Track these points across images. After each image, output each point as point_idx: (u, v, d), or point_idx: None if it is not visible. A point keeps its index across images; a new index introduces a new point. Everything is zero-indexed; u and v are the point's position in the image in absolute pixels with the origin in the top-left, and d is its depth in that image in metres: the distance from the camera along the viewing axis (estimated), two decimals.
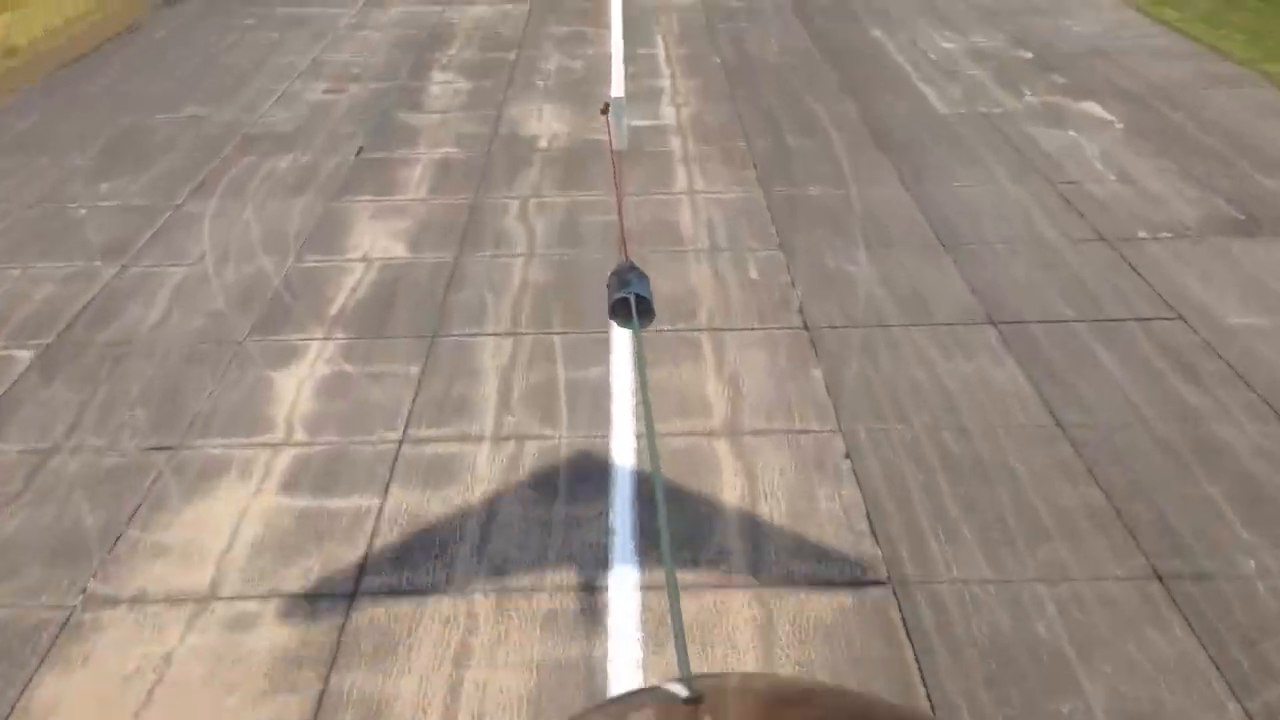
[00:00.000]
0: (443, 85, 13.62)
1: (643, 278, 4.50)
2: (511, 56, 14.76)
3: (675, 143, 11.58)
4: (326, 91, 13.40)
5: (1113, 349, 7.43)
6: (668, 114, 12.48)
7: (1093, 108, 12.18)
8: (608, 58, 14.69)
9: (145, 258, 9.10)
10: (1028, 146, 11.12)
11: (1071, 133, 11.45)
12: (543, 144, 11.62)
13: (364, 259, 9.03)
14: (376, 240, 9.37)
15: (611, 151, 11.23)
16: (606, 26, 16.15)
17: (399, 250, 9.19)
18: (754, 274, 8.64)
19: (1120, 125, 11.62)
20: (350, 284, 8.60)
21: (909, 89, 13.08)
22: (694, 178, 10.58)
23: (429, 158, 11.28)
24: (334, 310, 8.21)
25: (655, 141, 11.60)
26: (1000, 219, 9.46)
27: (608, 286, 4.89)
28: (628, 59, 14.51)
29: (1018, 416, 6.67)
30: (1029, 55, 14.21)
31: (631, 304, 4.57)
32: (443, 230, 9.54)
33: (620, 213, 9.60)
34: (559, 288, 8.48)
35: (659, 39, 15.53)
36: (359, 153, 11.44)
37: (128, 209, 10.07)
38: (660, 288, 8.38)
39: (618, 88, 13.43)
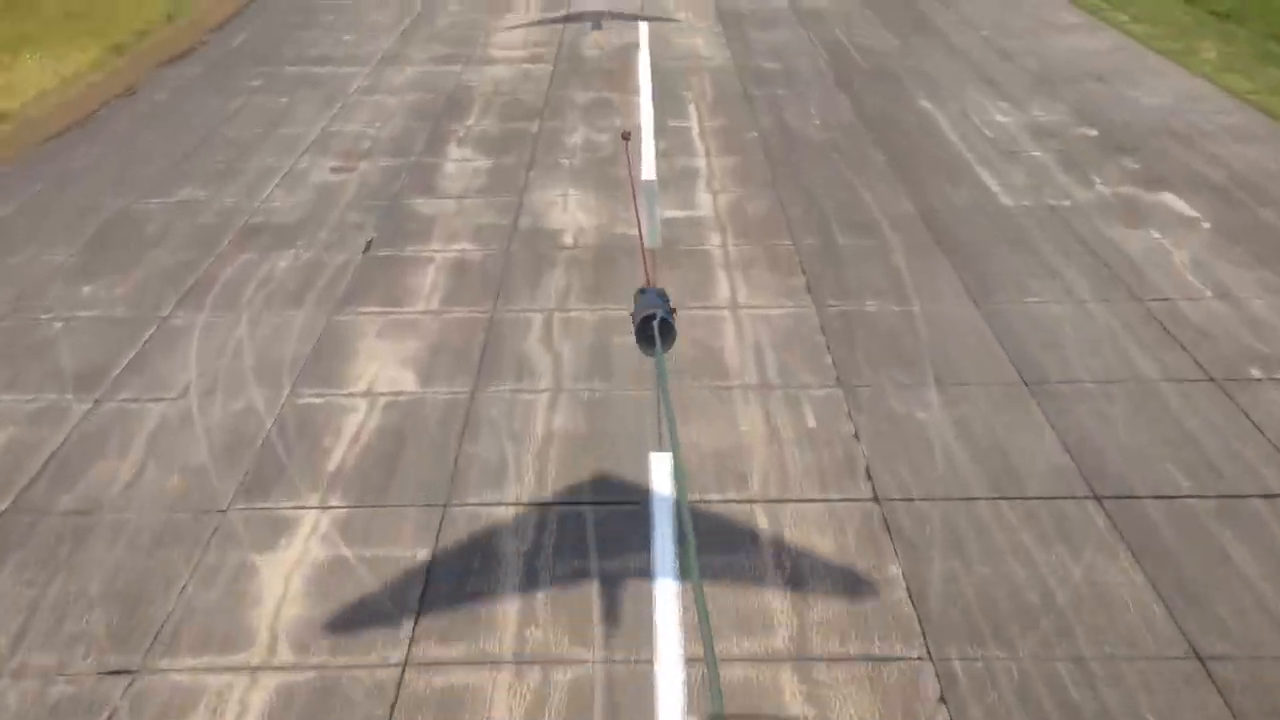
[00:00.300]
0: (459, 163, 12.60)
1: (662, 299, 4.95)
2: (533, 128, 13.74)
3: (714, 240, 10.52)
4: (335, 170, 12.40)
5: (1241, 537, 6.32)
6: (704, 202, 11.43)
7: (1172, 201, 11.07)
8: (637, 129, 13.64)
9: (123, 388, 8.07)
10: (1106, 251, 10.02)
11: (1154, 234, 10.34)
12: (568, 240, 10.57)
13: (368, 393, 7.98)
14: (383, 368, 8.32)
15: (629, 169, 10.20)
16: (634, 91, 15.14)
17: (407, 382, 8.13)
18: (811, 421, 7.55)
19: (1207, 225, 10.51)
20: (352, 428, 7.54)
21: (966, 174, 12.00)
22: (737, 287, 9.51)
23: (443, 256, 10.25)
24: (332, 466, 7.15)
25: (692, 237, 10.54)
26: (1088, 350, 8.35)
27: (631, 314, 5.04)
28: (658, 130, 13.48)
29: (1144, 643, 5.55)
30: (1094, 133, 13.12)
31: (655, 329, 4.81)
32: (457, 355, 8.49)
33: (640, 230, 9.13)
34: (589, 439, 7.40)
35: (691, 108, 14.50)
36: (367, 248, 10.42)
37: (109, 321, 9.06)
38: (705, 439, 7.33)
39: (648, 168, 12.40)
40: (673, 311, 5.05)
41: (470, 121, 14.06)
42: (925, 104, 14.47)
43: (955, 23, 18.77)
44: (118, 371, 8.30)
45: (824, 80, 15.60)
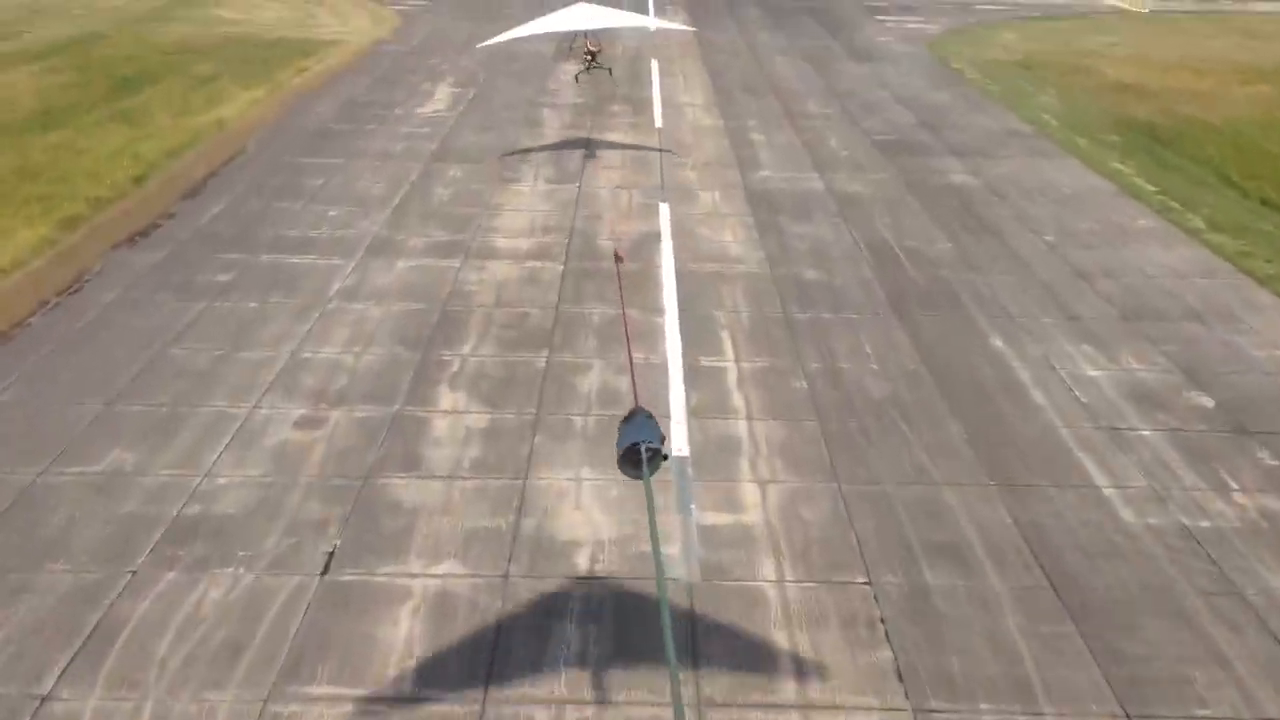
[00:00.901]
0: (451, 419, 10.39)
1: (651, 422, 5.67)
2: (540, 363, 11.59)
3: (766, 569, 8.29)
4: (299, 424, 10.16)
5: None
6: (749, 499, 9.21)
7: None
8: (662, 370, 11.50)
9: None
10: (1276, 618, 7.76)
11: None
12: (581, 563, 8.32)
13: None
14: None
15: (620, 299, 10.27)
16: (657, 309, 13.05)
17: None
18: None
19: None
20: None
21: (1069, 465, 9.84)
22: (805, 674, 7.21)
23: (423, 585, 7.99)
24: None
25: (738, 566, 8.31)
26: None
27: (618, 433, 5.76)
28: (688, 375, 11.35)
29: None
30: (1209, 403, 11.01)
31: (642, 453, 5.41)
32: None
33: (629, 355, 9.30)
34: None
35: (725, 337, 12.40)
36: (327, 566, 8.13)
37: None
38: None
39: (679, 433, 10.21)
40: (662, 440, 5.56)
41: (466, 349, 11.90)
42: (998, 344, 12.39)
43: (1011, 220, 16.87)
44: None
45: (874, 299, 13.55)
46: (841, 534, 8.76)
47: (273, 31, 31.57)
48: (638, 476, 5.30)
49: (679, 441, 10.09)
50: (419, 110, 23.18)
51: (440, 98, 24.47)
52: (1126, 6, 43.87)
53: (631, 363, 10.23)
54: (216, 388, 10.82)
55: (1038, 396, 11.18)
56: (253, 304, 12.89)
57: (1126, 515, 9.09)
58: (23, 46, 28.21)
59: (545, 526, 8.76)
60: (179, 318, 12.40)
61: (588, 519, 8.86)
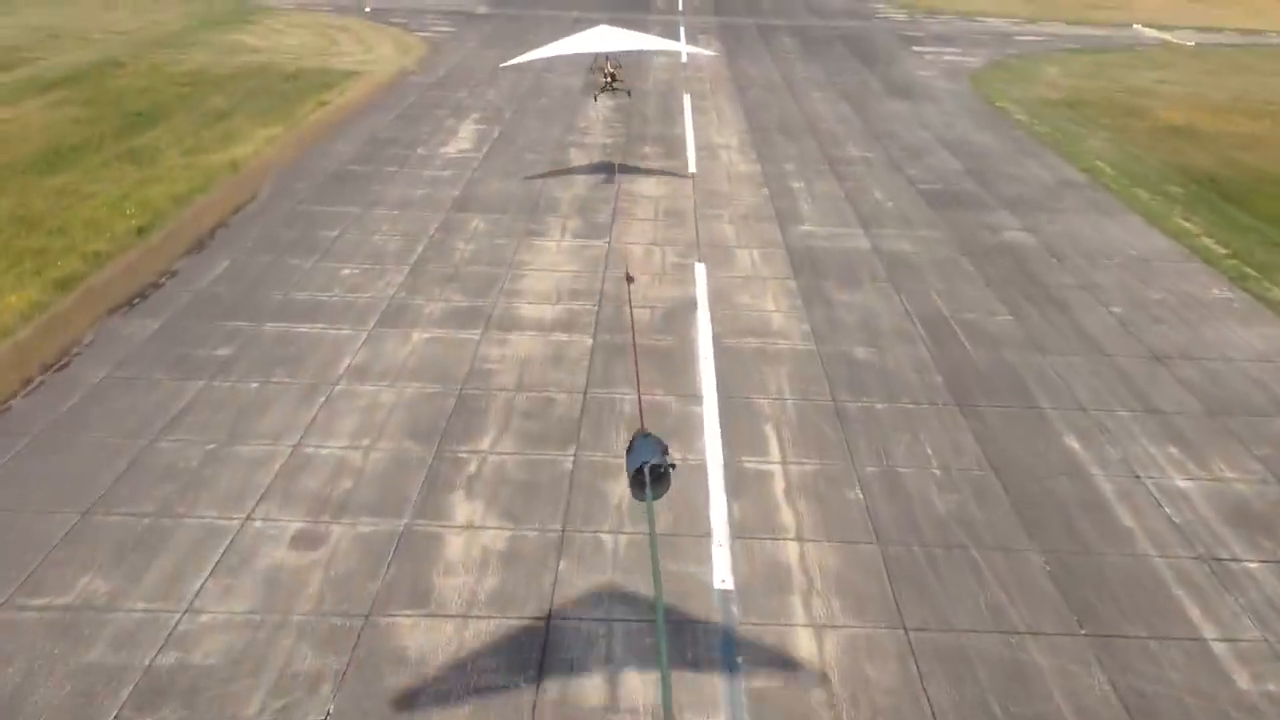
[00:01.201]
0: (465, 536, 9.25)
1: (658, 446, 6.33)
2: (566, 463, 10.44)
3: None
4: (296, 542, 9.04)
5: None
6: (806, 655, 8.06)
7: None
8: (701, 472, 10.32)
9: None
10: None
11: None
12: None
13: None
14: None
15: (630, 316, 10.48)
16: (694, 395, 11.90)
17: None
18: None
19: None
20: None
21: (1169, 610, 8.63)
22: None
23: None
24: None
25: None
26: None
27: (626, 455, 6.53)
28: (729, 479, 10.19)
29: None
30: None
31: (645, 474, 6.11)
32: None
33: (635, 368, 9.59)
34: None
35: (769, 432, 11.21)
36: None
37: None
38: None
39: (721, 556, 9.04)
40: (673, 466, 6.37)
41: (485, 444, 10.76)
42: (1073, 445, 11.15)
43: (1075, 288, 15.62)
44: None
45: (932, 385, 12.33)
46: (913, 701, 7.54)
47: (294, 61, 30.67)
48: (652, 496, 5.83)
49: (721, 569, 8.90)
50: (442, 150, 22.14)
51: (465, 136, 23.44)
52: (1171, 39, 42.53)
53: (639, 386, 10.69)
54: (206, 493, 9.72)
55: (1124, 515, 9.94)
56: (254, 384, 11.80)
57: (1242, 681, 7.83)
58: (36, 74, 27.40)
59: (571, 691, 7.57)
60: (172, 401, 11.32)
61: (627, 695, 7.65)
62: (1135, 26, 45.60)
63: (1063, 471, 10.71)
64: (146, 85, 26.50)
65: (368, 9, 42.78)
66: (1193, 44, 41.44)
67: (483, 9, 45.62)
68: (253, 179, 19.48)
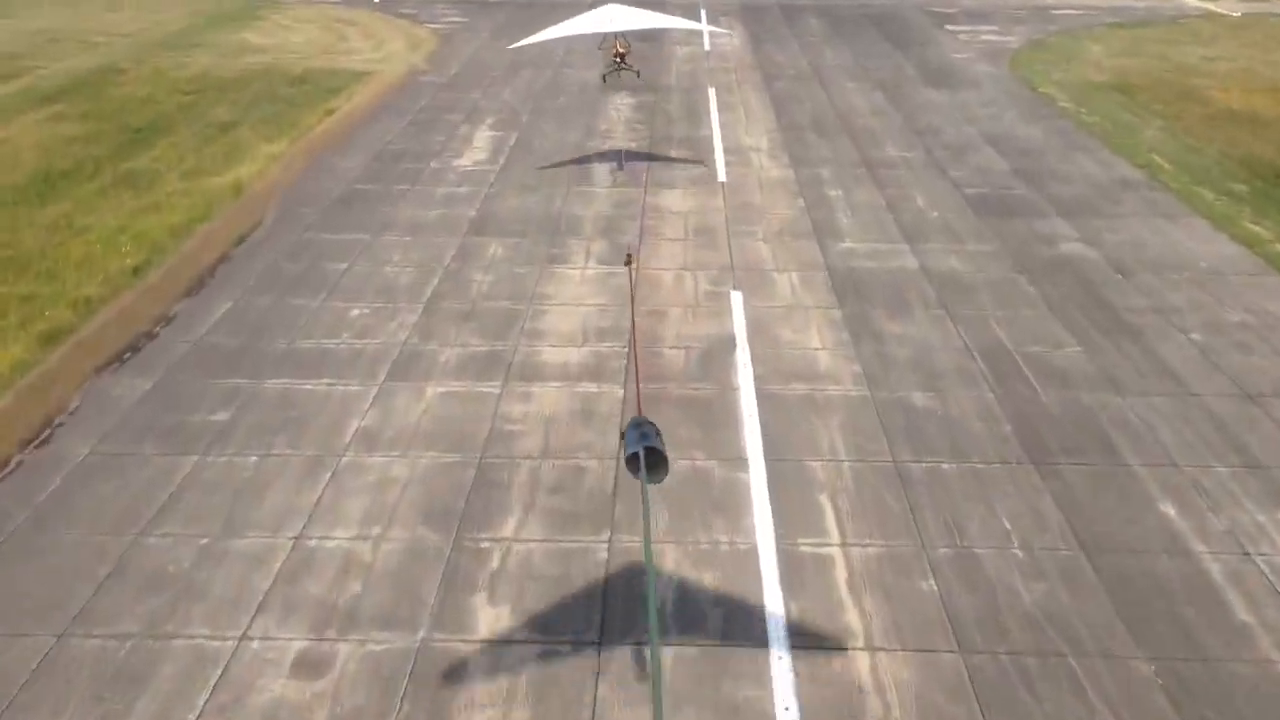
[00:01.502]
0: (489, 654, 8.16)
1: (656, 432, 5.99)
2: (601, 551, 9.31)
3: None
4: (297, 670, 7.94)
5: None
6: None
7: None
8: (751, 560, 9.16)
9: None
10: None
11: None
12: None
13: None
14: None
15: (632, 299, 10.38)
16: (737, 459, 10.73)
17: None
18: None
19: None
20: None
21: None
22: None
23: None
24: None
25: None
26: None
27: (621, 441, 6.18)
28: (785, 572, 9.01)
29: None
30: None
31: (640, 458, 5.83)
32: None
33: (635, 359, 9.92)
34: None
35: (825, 503, 10.07)
36: None
37: None
38: None
39: (781, 682, 7.86)
40: (658, 434, 6.26)
41: (508, 529, 9.64)
42: (1170, 513, 9.92)
43: (1146, 310, 14.31)
44: None
45: (1002, 439, 11.12)
46: None
47: (301, 62, 29.48)
48: (651, 480, 5.83)
49: (783, 692, 7.75)
50: (456, 162, 20.95)
51: (479, 144, 22.22)
52: (1215, 9, 40.71)
53: (638, 371, 10.96)
54: (197, 605, 8.63)
55: (1238, 606, 8.70)
56: (253, 457, 10.70)
57: None
58: (33, 85, 26.34)
59: None
60: (162, 484, 10.23)
61: None
62: None
63: (1162, 548, 9.47)
64: (148, 95, 25.39)
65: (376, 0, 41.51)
66: (1238, 14, 39.65)
67: None
68: (257, 203, 18.36)
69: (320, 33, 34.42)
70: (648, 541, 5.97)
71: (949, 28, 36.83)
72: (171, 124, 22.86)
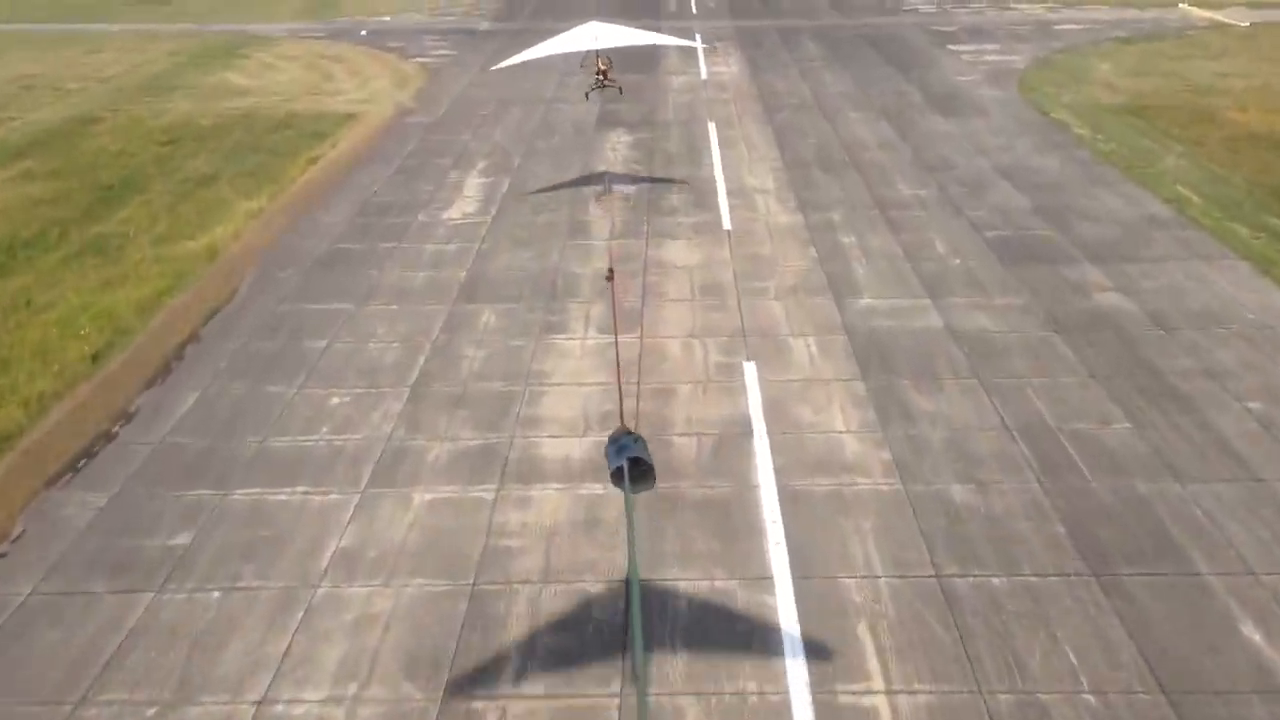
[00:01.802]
0: None
1: (639, 443, 6.46)
2: (612, 710, 8.04)
3: None
4: None
5: None
6: None
7: None
8: (784, 712, 7.91)
9: None
10: None
11: None
12: None
13: None
14: None
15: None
16: (763, 580, 9.51)
17: None
18: None
19: None
20: None
21: None
22: None
23: None
24: None
25: None
26: None
27: (605, 454, 6.56)
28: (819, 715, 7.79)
29: None
30: None
31: (625, 470, 6.36)
32: None
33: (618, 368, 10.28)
34: None
35: (864, 637, 8.87)
36: None
37: None
38: None
39: None
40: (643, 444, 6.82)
41: (505, 682, 8.49)
42: (1254, 637, 8.74)
43: (1197, 374, 13.11)
44: None
45: (1055, 543, 9.93)
46: None
47: (284, 104, 28.35)
48: (639, 490, 6.24)
49: None
50: (444, 215, 19.78)
51: (470, 194, 21.06)
52: (1222, 19, 39.62)
53: (620, 384, 11.31)
54: None
55: None
56: (215, 592, 9.51)
57: None
58: (2, 139, 25.16)
59: None
60: (109, 634, 9.04)
61: None
62: (1182, 5, 42.72)
63: (1251, 686, 8.26)
64: (121, 147, 24.24)
65: (363, 32, 40.44)
66: (1246, 24, 38.54)
67: (485, 25, 43.23)
68: (233, 268, 17.20)
69: (304, 71, 33.31)
70: (632, 550, 6.03)
71: (950, 47, 35.71)
72: (145, 179, 21.71)
